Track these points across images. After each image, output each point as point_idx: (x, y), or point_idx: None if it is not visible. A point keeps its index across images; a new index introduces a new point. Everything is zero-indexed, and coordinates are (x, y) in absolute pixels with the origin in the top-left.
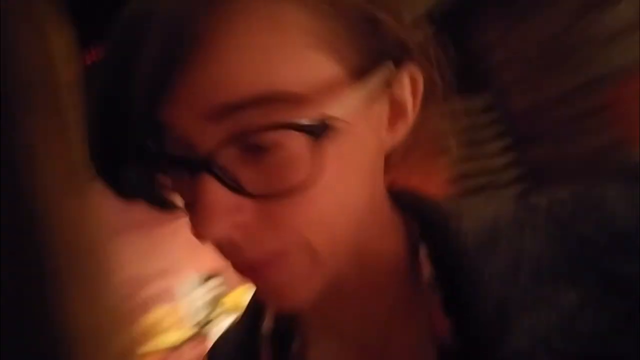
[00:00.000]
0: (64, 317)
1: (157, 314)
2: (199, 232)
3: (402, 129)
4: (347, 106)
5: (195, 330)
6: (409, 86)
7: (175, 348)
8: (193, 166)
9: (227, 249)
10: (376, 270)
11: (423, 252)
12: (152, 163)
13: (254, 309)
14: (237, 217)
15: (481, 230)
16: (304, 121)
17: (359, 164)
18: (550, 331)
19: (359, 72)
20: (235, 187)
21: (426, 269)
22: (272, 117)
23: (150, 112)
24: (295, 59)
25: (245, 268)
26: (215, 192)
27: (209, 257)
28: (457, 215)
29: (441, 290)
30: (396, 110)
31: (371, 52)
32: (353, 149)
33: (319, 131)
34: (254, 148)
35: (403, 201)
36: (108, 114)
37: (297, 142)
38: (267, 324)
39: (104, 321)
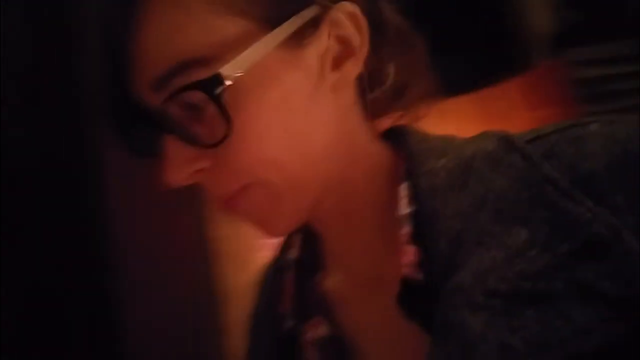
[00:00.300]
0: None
1: None
2: (164, 180)
3: (353, 67)
4: (257, 55)
5: None
6: (349, 24)
7: None
8: (154, 127)
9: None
10: (357, 202)
11: (402, 188)
12: (143, 126)
13: (286, 239)
14: (197, 165)
15: (456, 168)
16: (196, 80)
17: (293, 107)
18: (491, 270)
19: (272, 21)
20: (187, 139)
21: (402, 205)
22: (191, 80)
23: (126, 88)
24: (200, 27)
25: (219, 204)
26: (174, 147)
27: None
28: (440, 153)
29: (410, 225)
30: (342, 48)
31: (281, 1)
32: (278, 93)
33: (214, 86)
34: (192, 107)
35: (396, 139)
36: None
37: (205, 99)
38: (292, 253)
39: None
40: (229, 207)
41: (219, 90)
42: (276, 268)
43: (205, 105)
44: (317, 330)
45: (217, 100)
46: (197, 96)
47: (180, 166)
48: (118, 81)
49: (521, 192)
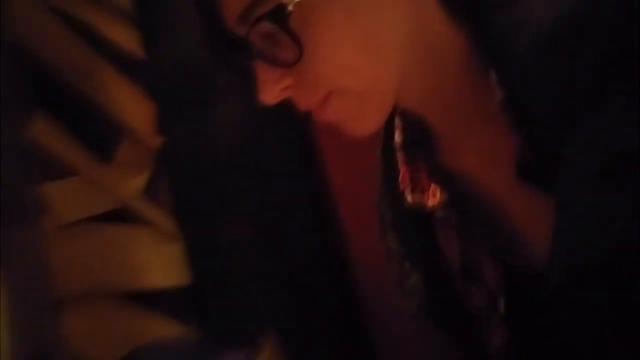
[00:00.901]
0: None
1: None
2: (260, 99)
3: None
4: None
5: None
6: None
7: None
8: (244, 54)
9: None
10: (447, 91)
11: (492, 75)
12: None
13: (386, 128)
14: (282, 83)
15: (541, 44)
16: (263, 12)
17: (360, 12)
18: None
19: None
20: (270, 61)
21: (497, 91)
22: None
23: (220, 23)
24: None
25: (311, 114)
26: (262, 70)
27: None
28: (520, 24)
29: (508, 111)
30: None
31: None
32: (342, 4)
33: (279, 14)
34: (269, 34)
35: (472, 14)
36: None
37: (275, 26)
38: (396, 138)
39: None
40: (318, 117)
41: (283, 17)
42: (386, 153)
43: (277, 31)
44: (435, 197)
45: (283, 26)
46: (268, 25)
47: (269, 86)
48: (214, 17)
49: (611, 64)
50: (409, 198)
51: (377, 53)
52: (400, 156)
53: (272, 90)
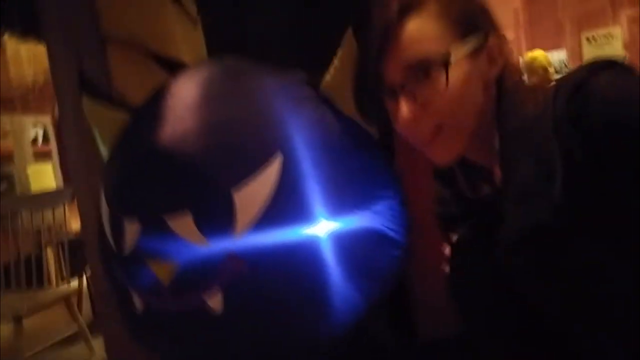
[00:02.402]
0: None
1: None
2: (401, 128)
3: (495, 67)
4: (461, 53)
5: None
6: (496, 47)
7: None
8: (395, 95)
9: (410, 135)
10: (478, 127)
11: (496, 135)
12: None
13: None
14: (416, 114)
15: (520, 118)
16: (440, 59)
17: (470, 81)
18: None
19: (467, 38)
20: (416, 100)
21: (497, 141)
22: (424, 61)
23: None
24: (436, 40)
25: (421, 144)
26: (407, 105)
27: None
28: (521, 105)
29: (499, 156)
30: (492, 58)
31: (470, 27)
32: (467, 74)
33: (447, 63)
34: (425, 75)
35: (501, 90)
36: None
37: (438, 70)
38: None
39: None
40: (425, 145)
41: (447, 65)
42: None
43: (435, 73)
44: (483, 190)
45: (446, 69)
46: (434, 67)
47: (409, 111)
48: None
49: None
50: (468, 194)
51: (474, 109)
52: (459, 175)
53: (410, 114)
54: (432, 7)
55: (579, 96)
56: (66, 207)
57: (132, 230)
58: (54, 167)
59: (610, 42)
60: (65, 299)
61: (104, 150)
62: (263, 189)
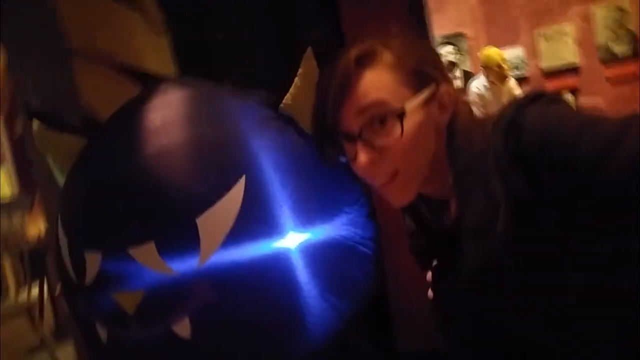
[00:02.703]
0: None
1: None
2: (362, 173)
3: (446, 113)
4: (414, 104)
5: None
6: (446, 94)
7: None
8: (353, 140)
9: (368, 178)
10: (432, 169)
11: (451, 172)
12: (337, 145)
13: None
14: (373, 160)
15: (473, 161)
16: (395, 110)
17: (423, 128)
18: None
19: (419, 90)
20: (373, 147)
21: (449, 175)
22: (380, 111)
23: (333, 121)
24: (391, 90)
25: (378, 187)
26: (364, 152)
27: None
28: (467, 142)
29: (454, 187)
30: (443, 105)
31: (422, 78)
32: (420, 122)
33: (401, 114)
34: (380, 124)
35: (451, 132)
36: (317, 126)
37: (393, 120)
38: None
39: None
40: (383, 188)
41: (402, 116)
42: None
43: (391, 122)
44: (446, 221)
45: (401, 120)
46: (389, 118)
47: (367, 158)
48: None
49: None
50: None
51: (427, 154)
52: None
53: (370, 166)
54: (387, 59)
55: (512, 131)
56: (25, 216)
57: (93, 261)
58: (7, 173)
59: (562, 39)
60: (27, 310)
61: (59, 177)
62: (228, 212)
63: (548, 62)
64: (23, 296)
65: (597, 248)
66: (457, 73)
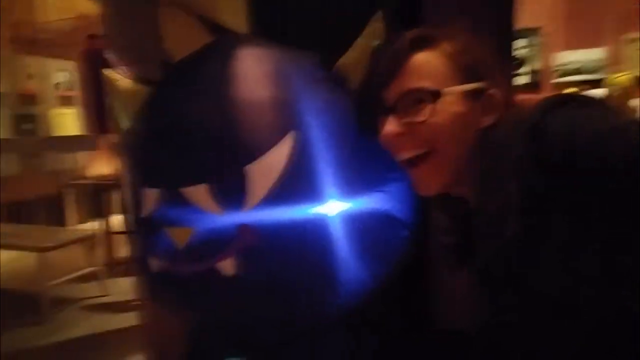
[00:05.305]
0: None
1: None
2: (385, 143)
3: (491, 116)
4: (454, 91)
5: None
6: (494, 97)
7: None
8: (386, 112)
9: (391, 149)
10: (465, 163)
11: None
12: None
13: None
14: (398, 133)
15: (493, 156)
16: (431, 91)
17: (461, 121)
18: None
19: (463, 80)
20: (402, 121)
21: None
22: (419, 91)
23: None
24: (437, 77)
25: (405, 164)
26: (392, 123)
27: None
28: (495, 142)
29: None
30: (487, 107)
31: (472, 74)
32: (457, 112)
33: (437, 95)
34: (417, 103)
35: (486, 132)
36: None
37: (428, 100)
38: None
39: None
40: (412, 168)
41: (436, 96)
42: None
43: (425, 102)
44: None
45: (434, 100)
46: (425, 98)
47: (394, 130)
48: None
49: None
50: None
51: (463, 147)
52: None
53: (393, 131)
54: (443, 48)
55: (535, 135)
56: (89, 153)
57: (151, 197)
58: (77, 113)
59: None
60: (84, 240)
61: (124, 121)
62: (275, 165)
63: (630, 69)
64: (82, 227)
65: (608, 256)
66: (525, 69)
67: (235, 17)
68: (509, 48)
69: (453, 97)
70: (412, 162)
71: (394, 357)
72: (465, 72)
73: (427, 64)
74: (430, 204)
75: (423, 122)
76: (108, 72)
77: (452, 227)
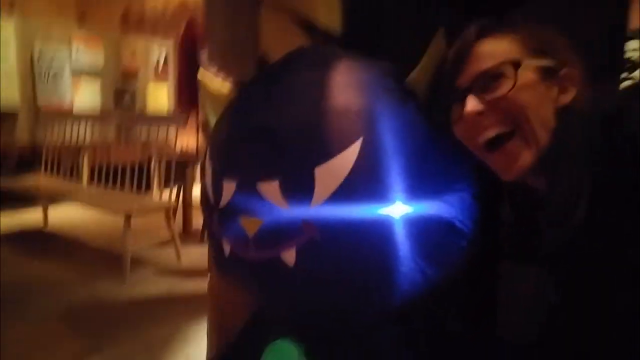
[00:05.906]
0: None
1: None
2: (465, 125)
3: (567, 96)
4: (532, 63)
5: None
6: (570, 77)
7: None
8: (462, 96)
9: (474, 132)
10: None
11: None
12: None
13: None
14: (480, 110)
15: (565, 141)
16: (511, 60)
17: (537, 97)
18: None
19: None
20: (483, 100)
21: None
22: (495, 68)
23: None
24: (504, 52)
25: (483, 148)
26: (472, 102)
27: None
28: (568, 128)
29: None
30: (563, 87)
31: (543, 52)
32: (536, 89)
33: (517, 64)
34: (494, 81)
35: (560, 115)
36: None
37: (507, 73)
38: None
39: None
40: (492, 149)
41: (517, 65)
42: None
43: (503, 77)
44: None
45: (515, 70)
46: (503, 71)
47: (476, 108)
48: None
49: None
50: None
51: (545, 127)
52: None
53: (475, 109)
54: (512, 33)
55: (611, 123)
56: (177, 131)
57: (229, 188)
58: (168, 91)
59: None
60: (165, 209)
61: (212, 117)
62: (343, 168)
63: None
64: (164, 197)
65: None
66: (637, 74)
67: (329, 18)
68: (620, 49)
69: (530, 72)
70: (495, 144)
71: (446, 358)
72: (535, 54)
73: (498, 46)
74: (490, 215)
75: (504, 96)
76: (201, 72)
77: (519, 219)
